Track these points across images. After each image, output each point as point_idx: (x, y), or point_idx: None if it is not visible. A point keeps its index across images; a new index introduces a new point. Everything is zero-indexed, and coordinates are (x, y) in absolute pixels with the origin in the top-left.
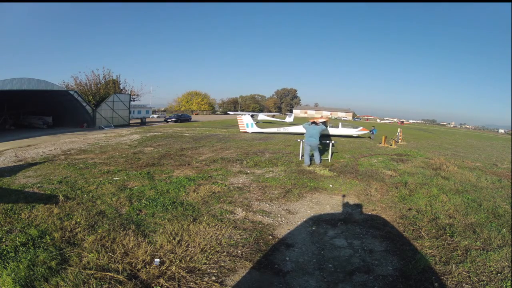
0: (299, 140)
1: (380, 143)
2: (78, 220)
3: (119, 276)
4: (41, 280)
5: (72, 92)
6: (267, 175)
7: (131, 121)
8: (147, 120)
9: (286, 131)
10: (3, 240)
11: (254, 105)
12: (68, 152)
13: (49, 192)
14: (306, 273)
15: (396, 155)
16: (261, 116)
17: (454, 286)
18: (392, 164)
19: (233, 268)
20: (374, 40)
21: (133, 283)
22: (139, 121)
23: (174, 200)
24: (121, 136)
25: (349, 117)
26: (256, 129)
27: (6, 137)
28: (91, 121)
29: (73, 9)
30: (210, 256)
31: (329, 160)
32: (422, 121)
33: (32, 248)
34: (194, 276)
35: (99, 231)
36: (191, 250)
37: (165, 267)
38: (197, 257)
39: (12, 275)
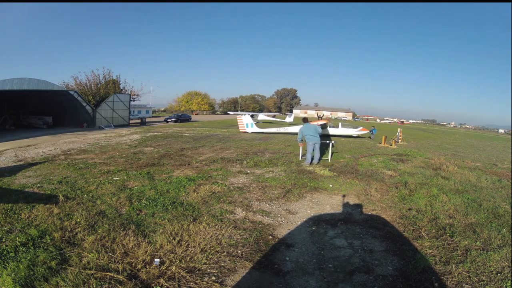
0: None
1: (380, 143)
2: (78, 220)
3: (119, 276)
4: (41, 280)
5: (72, 92)
6: (267, 175)
7: (131, 121)
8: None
9: (286, 131)
10: (3, 240)
11: (254, 105)
12: (68, 152)
13: (49, 192)
14: (306, 273)
15: (396, 155)
16: (261, 116)
17: (454, 286)
18: (392, 164)
19: (233, 268)
20: (374, 40)
21: (133, 283)
22: (139, 121)
23: (174, 200)
24: (121, 136)
25: (349, 117)
26: (256, 129)
27: (6, 137)
28: (91, 121)
29: (73, 9)
30: (210, 256)
31: (329, 160)
32: (422, 121)
33: (32, 248)
34: (194, 276)
35: (99, 231)
36: (191, 250)
37: (165, 267)
38: (197, 257)
39: (12, 275)
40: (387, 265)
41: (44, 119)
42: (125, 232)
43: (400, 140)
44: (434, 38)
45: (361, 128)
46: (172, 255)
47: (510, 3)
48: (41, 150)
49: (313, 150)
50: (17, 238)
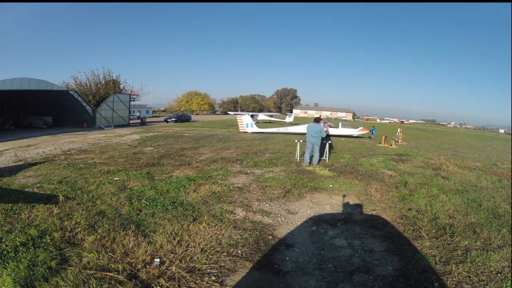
0: (296, 140)
1: (380, 143)
2: (78, 220)
3: (119, 276)
4: (41, 280)
5: (72, 92)
6: (267, 175)
7: (131, 121)
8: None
9: (286, 131)
10: (3, 240)
11: (254, 105)
12: (68, 152)
13: (49, 192)
14: (306, 273)
15: (396, 155)
16: (261, 116)
17: (454, 286)
18: (392, 164)
19: (233, 268)
20: (374, 40)
21: (133, 283)
22: (139, 121)
23: (174, 200)
24: (121, 136)
25: (349, 117)
26: (256, 129)
27: (6, 137)
28: (91, 121)
29: (73, 9)
30: (210, 256)
31: (327, 160)
32: (422, 121)
33: (32, 248)
34: (194, 276)
35: (99, 231)
36: (191, 250)
37: (165, 267)
38: (197, 257)
39: (12, 275)
40: (387, 265)
41: (44, 119)
42: (125, 232)
43: (400, 140)
44: (434, 38)
45: (361, 128)
46: (172, 255)
47: (510, 3)
48: (41, 150)
49: (312, 150)
50: (17, 238)
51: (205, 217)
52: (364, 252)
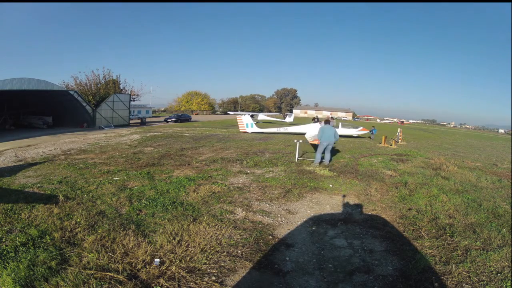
0: (295, 140)
1: (380, 143)
2: (78, 220)
3: (119, 276)
4: (41, 280)
5: (72, 92)
6: (267, 175)
7: (131, 121)
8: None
9: (286, 131)
10: (3, 240)
11: (254, 105)
12: (68, 152)
13: (49, 192)
14: (306, 273)
15: (396, 155)
16: (261, 116)
17: (454, 286)
18: (392, 164)
19: (233, 268)
20: (375, 41)
21: (133, 283)
22: (139, 121)
23: (174, 200)
24: (121, 136)
25: (349, 117)
26: (256, 129)
27: (6, 137)
28: (91, 121)
29: (73, 9)
30: (210, 256)
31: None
32: (422, 121)
33: (32, 248)
34: (194, 276)
35: (99, 231)
36: (191, 250)
37: (165, 267)
38: (197, 257)
39: (12, 275)
40: (387, 265)
41: (44, 119)
42: (125, 232)
43: (400, 140)
44: (434, 38)
45: (361, 128)
46: (172, 255)
47: (510, 3)
48: (41, 150)
49: (324, 150)
50: (17, 238)
51: (205, 217)
52: (364, 252)
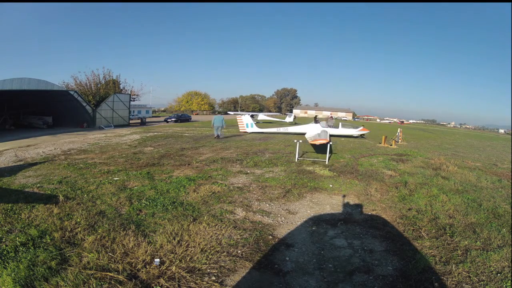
0: (295, 140)
1: (380, 143)
2: (78, 220)
3: (119, 276)
4: (41, 280)
5: (72, 92)
6: (267, 175)
7: (131, 121)
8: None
9: (286, 131)
10: (3, 240)
11: (254, 105)
12: (68, 152)
13: (49, 192)
14: (306, 273)
15: (396, 155)
16: (261, 116)
17: (454, 286)
18: (392, 164)
19: (233, 268)
20: (374, 41)
21: (133, 283)
22: (139, 121)
23: (174, 200)
24: (121, 136)
25: (349, 117)
26: (256, 129)
27: (6, 137)
28: (91, 121)
29: (73, 9)
30: (210, 256)
31: (327, 162)
32: (422, 121)
33: (32, 248)
34: (194, 276)
35: (99, 231)
36: (191, 250)
37: (165, 267)
38: (197, 257)
39: (12, 275)
40: (387, 265)
41: (44, 119)
42: (125, 232)
43: (400, 140)
44: (434, 38)
45: (361, 128)
46: (172, 255)
47: (510, 3)
48: (41, 150)
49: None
50: (17, 238)
51: (205, 217)
52: (364, 252)
